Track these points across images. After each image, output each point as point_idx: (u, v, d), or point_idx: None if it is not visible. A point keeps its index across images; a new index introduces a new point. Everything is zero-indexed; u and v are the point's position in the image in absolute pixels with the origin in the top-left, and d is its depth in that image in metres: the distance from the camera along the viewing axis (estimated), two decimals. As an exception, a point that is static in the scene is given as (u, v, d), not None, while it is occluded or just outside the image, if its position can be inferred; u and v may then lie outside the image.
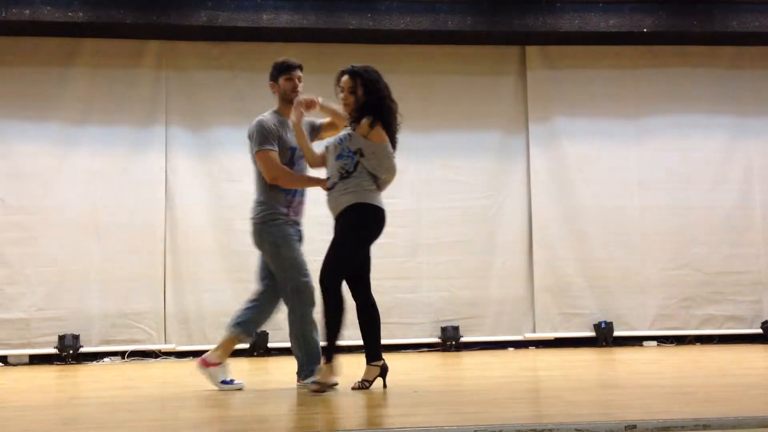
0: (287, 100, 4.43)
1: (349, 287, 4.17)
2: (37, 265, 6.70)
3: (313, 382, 3.95)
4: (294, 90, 4.41)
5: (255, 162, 4.39)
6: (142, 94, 7.00)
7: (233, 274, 6.89)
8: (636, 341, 7.17)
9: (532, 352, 6.83)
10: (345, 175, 4.10)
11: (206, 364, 4.29)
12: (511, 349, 7.06)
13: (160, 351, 6.75)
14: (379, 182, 4.14)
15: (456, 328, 6.97)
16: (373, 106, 4.09)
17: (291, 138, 4.36)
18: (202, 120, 7.06)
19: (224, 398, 3.98)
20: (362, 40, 7.01)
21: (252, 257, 6.99)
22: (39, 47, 6.92)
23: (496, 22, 7.01)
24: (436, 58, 7.23)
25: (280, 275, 4.31)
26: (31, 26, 6.66)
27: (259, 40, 7.07)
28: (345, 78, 4.16)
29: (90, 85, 6.94)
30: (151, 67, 7.04)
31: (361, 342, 4.21)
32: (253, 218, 4.43)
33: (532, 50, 7.40)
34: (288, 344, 6.80)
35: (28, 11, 6.53)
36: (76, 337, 6.57)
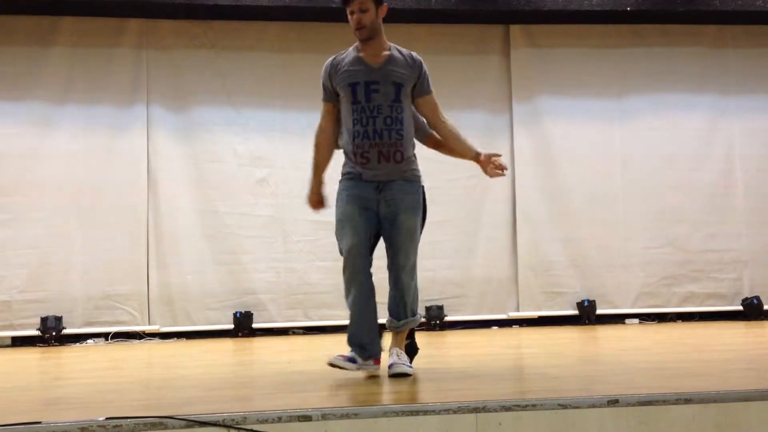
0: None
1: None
2: (18, 247, 6.64)
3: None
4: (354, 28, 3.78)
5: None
6: (123, 73, 6.91)
7: (216, 256, 6.90)
8: (618, 319, 7.24)
9: (516, 331, 6.87)
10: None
11: None
12: (495, 327, 7.10)
13: (143, 332, 6.73)
14: None
15: (440, 308, 7.00)
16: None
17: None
18: (183, 99, 7.00)
19: (208, 378, 3.98)
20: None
21: (234, 238, 7.06)
22: (17, 26, 6.80)
23: (480, 0, 6.98)
24: (419, 37, 7.16)
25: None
26: (8, 4, 6.55)
27: (241, 18, 7.00)
28: None
29: (69, 65, 6.85)
30: (131, 46, 6.95)
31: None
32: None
33: (515, 29, 7.38)
34: (273, 325, 6.90)
35: (4, -11, 6.42)
36: (58, 319, 6.53)
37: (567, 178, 7.33)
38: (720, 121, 7.52)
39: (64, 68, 6.84)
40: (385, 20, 6.91)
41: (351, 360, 3.67)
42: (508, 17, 7.21)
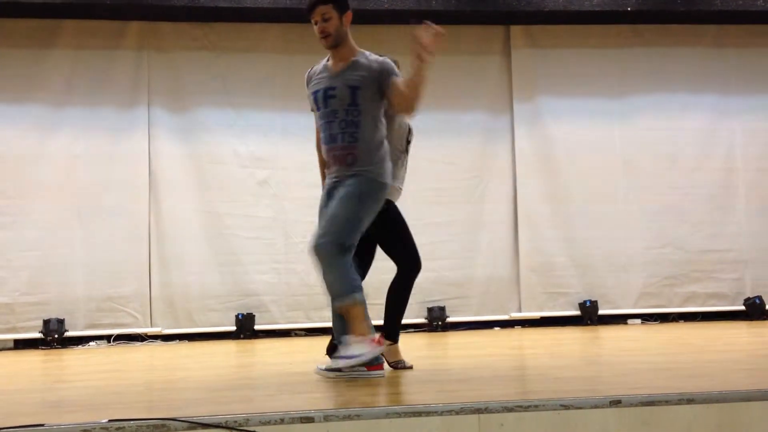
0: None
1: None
2: (20, 250, 6.65)
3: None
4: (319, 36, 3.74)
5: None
6: (124, 75, 6.93)
7: (218, 257, 6.91)
8: (620, 319, 7.24)
9: (517, 332, 6.87)
10: None
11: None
12: (497, 328, 7.10)
13: (146, 334, 6.74)
14: None
15: (442, 309, 7.00)
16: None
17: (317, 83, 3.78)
18: (184, 101, 7.02)
19: (210, 380, 3.98)
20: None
21: (235, 240, 7.06)
22: (18, 28, 6.82)
23: (481, 1, 6.98)
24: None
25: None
26: (10, 7, 6.56)
27: (241, 20, 7.01)
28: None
29: (71, 67, 6.87)
30: (132, 48, 6.96)
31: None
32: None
33: (516, 30, 7.39)
34: (275, 327, 6.90)
35: (6, -8, 6.43)
36: (60, 321, 6.53)
37: (568, 178, 7.33)
38: (721, 120, 7.52)
39: (66, 70, 6.86)
40: (386, 21, 6.95)
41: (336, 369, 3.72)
42: (508, 18, 7.22)
